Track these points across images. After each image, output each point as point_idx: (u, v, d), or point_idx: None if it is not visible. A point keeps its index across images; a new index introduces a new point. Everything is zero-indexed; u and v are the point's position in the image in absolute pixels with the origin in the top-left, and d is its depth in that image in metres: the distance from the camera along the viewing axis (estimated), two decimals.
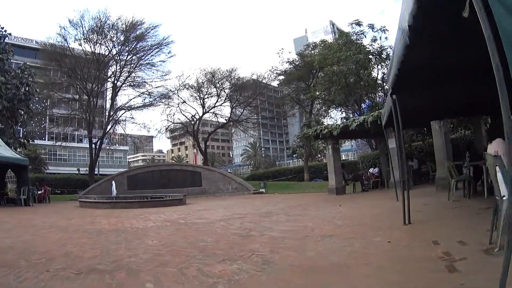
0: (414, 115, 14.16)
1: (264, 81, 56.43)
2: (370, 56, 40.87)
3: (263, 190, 37.13)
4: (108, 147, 59.87)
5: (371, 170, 29.26)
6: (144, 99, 52.96)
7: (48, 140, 69.76)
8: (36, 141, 62.76)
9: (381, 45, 41.26)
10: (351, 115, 41.57)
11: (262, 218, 14.23)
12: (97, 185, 40.61)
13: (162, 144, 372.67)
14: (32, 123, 50.30)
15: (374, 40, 41.47)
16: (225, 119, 59.06)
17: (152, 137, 77.01)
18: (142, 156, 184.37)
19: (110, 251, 8.56)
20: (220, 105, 57.03)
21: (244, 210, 18.28)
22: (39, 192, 34.34)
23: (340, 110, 47.41)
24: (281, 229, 10.83)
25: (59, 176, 56.45)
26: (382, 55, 40.72)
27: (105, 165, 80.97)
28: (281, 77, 55.42)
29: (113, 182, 35.77)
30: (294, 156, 76.96)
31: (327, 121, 52.38)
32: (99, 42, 47.63)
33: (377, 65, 41.23)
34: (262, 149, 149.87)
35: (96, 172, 55.08)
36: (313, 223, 11.77)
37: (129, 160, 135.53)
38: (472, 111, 18.33)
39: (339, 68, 39.37)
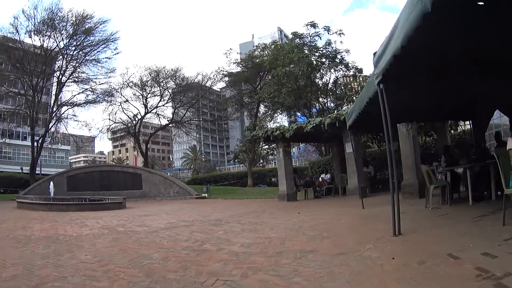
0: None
1: (209, 82, 54.74)
2: (324, 59, 39.95)
3: (206, 194, 35.43)
4: (50, 146, 57.28)
5: (322, 176, 27.82)
6: (87, 96, 50.87)
7: None
8: None
9: (335, 49, 40.16)
10: (299, 119, 40.20)
11: (212, 227, 12.59)
12: (37, 184, 38.27)
13: (104, 145, 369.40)
14: None
15: (328, 43, 40.63)
16: (168, 120, 57.48)
17: (93, 137, 74.37)
18: (83, 157, 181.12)
19: (34, 268, 6.86)
20: (163, 105, 55.54)
21: (190, 217, 16.60)
22: None
23: (288, 114, 46.15)
24: (241, 241, 9.06)
25: (1, 174, 54.64)
26: (336, 59, 39.86)
27: (47, 164, 77.22)
28: (227, 78, 53.32)
29: (50, 182, 33.28)
30: (236, 161, 75.11)
31: (271, 126, 51.01)
32: (48, 34, 45.59)
33: (330, 69, 40.13)
34: (203, 153, 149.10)
35: (38, 172, 52.28)
36: (277, 233, 10.09)
37: (71, 161, 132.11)
38: (443, 115, 17.62)
39: (290, 70, 37.93)
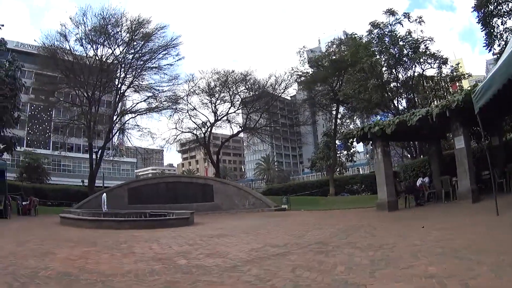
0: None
1: (283, 83, 49.97)
2: (406, 50, 35.93)
3: (286, 206, 31.78)
4: (112, 158, 54.97)
5: (422, 179, 23.19)
6: (150, 104, 47.84)
7: (52, 149, 65.83)
8: (39, 150, 61.48)
9: (418, 38, 35.89)
10: (385, 118, 35.65)
11: (320, 256, 8.54)
12: (93, 197, 35.17)
13: (173, 157, 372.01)
14: (29, 130, 46.61)
15: (409, 33, 36.09)
16: (240, 127, 53.56)
17: (161, 150, 72.53)
18: (152, 169, 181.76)
19: None
20: (234, 112, 52.09)
21: (279, 238, 12.53)
22: (23, 203, 30.68)
23: (370, 114, 41.37)
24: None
25: (57, 187, 51.79)
26: (420, 49, 35.43)
27: (111, 177, 76.02)
28: (302, 79, 49.00)
29: (103, 194, 30.04)
30: (313, 169, 70.85)
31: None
32: (102, 42, 43.22)
33: (414, 61, 35.60)
34: (275, 163, 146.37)
35: (99, 185, 51.16)
36: (431, 263, 6.77)
37: (138, 173, 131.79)
38: None
39: (375, 60, 34.40)
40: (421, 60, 35.64)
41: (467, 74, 37.82)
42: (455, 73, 36.68)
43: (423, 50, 35.73)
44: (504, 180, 18.14)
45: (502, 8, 31.08)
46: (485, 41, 33.06)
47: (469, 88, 16.89)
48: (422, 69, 36.69)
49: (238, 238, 12.84)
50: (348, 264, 7.31)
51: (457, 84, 39.10)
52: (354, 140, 23.67)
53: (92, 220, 20.66)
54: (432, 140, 24.96)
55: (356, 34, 39.92)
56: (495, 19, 31.71)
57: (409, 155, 43.04)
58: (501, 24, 31.58)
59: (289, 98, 69.43)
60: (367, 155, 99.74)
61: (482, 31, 32.88)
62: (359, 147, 70.52)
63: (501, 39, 31.76)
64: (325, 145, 58.62)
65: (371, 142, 23.42)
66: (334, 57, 43.49)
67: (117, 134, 50.18)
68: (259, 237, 12.91)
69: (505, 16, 31.20)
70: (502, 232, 9.24)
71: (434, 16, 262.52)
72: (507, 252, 6.86)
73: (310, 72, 47.54)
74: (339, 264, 7.34)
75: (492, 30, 32.03)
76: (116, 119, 47.47)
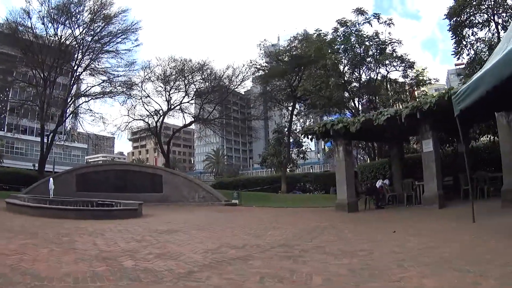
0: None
1: (240, 76, 48.66)
2: (372, 51, 35.86)
3: (236, 201, 30.56)
4: (63, 143, 52.91)
5: (380, 182, 22.57)
6: (104, 88, 46.04)
7: (6, 131, 63.28)
8: None
9: (385, 39, 35.70)
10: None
11: (288, 262, 7.46)
12: (42, 182, 33.18)
13: (124, 146, 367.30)
14: None
15: (376, 34, 36.09)
16: (193, 117, 52.01)
17: (113, 138, 70.82)
18: (102, 157, 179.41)
19: None
20: (188, 102, 50.52)
21: (236, 237, 11.41)
22: None
23: (328, 113, 40.60)
24: None
25: (8, 170, 49.77)
26: (386, 51, 35.22)
27: (61, 162, 73.58)
28: (261, 73, 47.83)
29: (50, 180, 28.06)
30: (264, 165, 69.85)
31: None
32: (63, 21, 41.17)
33: (379, 63, 35.17)
34: (225, 157, 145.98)
35: (51, 169, 49.52)
36: (427, 276, 5.85)
37: (89, 160, 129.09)
38: None
39: (338, 59, 33.93)
40: (387, 62, 35.50)
41: (433, 79, 37.65)
42: (420, 78, 36.36)
43: (390, 52, 35.44)
44: (469, 187, 17.37)
45: (474, 19, 31.94)
46: (454, 49, 33.79)
47: (444, 91, 16.08)
48: (386, 71, 36.65)
49: (191, 236, 11.55)
50: (325, 274, 6.23)
51: (421, 89, 38.94)
52: (314, 136, 22.71)
53: (36, 207, 18.97)
54: (394, 142, 24.42)
55: (321, 30, 39.06)
56: (466, 29, 32.57)
57: (367, 156, 42.56)
58: (472, 35, 32.66)
59: (243, 93, 68.38)
60: (318, 154, 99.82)
61: (452, 39, 33.56)
62: (311, 145, 70.18)
63: (471, 49, 32.91)
64: (276, 141, 57.67)
65: (331, 140, 22.59)
66: (295, 52, 42.41)
67: (70, 118, 48.30)
68: (213, 235, 11.66)
69: (476, 27, 32.20)
70: (494, 239, 8.63)
71: (398, 22, 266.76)
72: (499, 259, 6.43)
73: (269, 66, 46.32)
74: (314, 274, 6.21)
75: (461, 39, 32.87)
76: (69, 101, 45.66)
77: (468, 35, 32.95)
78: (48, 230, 12.11)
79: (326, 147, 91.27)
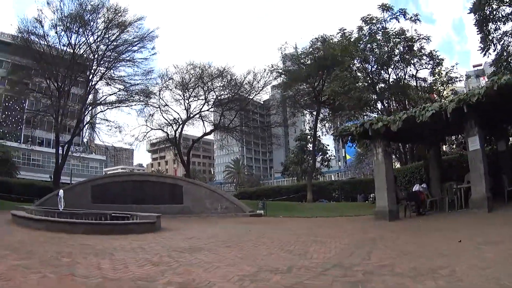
0: None
1: (262, 81, 46.21)
2: (398, 49, 33.97)
3: (262, 211, 28.56)
4: (79, 155, 51.65)
5: (417, 186, 20.64)
6: (120, 96, 44.77)
7: (23, 143, 62.80)
8: (9, 143, 57.65)
9: (411, 36, 33.81)
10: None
11: None
12: (54, 194, 30.50)
13: (142, 157, 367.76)
14: (2, 122, 46.81)
15: (402, 31, 34.20)
16: (213, 125, 50.11)
17: (132, 150, 69.93)
18: (121, 169, 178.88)
19: None
20: (208, 110, 48.70)
21: (275, 256, 9.44)
22: None
23: (354, 117, 38.54)
24: None
25: (23, 181, 48.59)
26: (414, 49, 33.42)
27: (79, 174, 72.58)
28: (282, 77, 46.04)
29: (60, 191, 26.30)
30: (286, 173, 68.12)
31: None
32: (77, 30, 39.89)
33: (406, 62, 33.45)
34: (245, 167, 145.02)
35: (67, 181, 49.39)
36: None
37: (107, 172, 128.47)
38: None
39: (365, 57, 32.80)
40: (415, 60, 33.84)
41: (465, 75, 35.73)
42: (452, 75, 34.43)
43: (418, 49, 33.78)
44: None
45: (498, 13, 29.92)
46: (480, 44, 31.60)
47: (492, 81, 14.67)
48: (416, 69, 34.80)
49: (219, 255, 9.56)
50: None
51: (449, 88, 36.97)
52: (349, 138, 20.90)
53: (40, 220, 16.93)
54: (431, 143, 22.85)
55: (345, 29, 37.16)
56: (490, 24, 30.51)
57: (397, 161, 40.55)
58: (495, 30, 30.50)
59: (262, 102, 66.70)
60: (339, 162, 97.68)
61: (478, 34, 31.52)
62: (333, 151, 68.73)
63: (497, 44, 30.71)
64: (299, 149, 55.97)
65: (369, 141, 20.78)
66: (318, 54, 40.36)
67: (87, 129, 47.72)
68: (246, 254, 9.69)
69: (500, 21, 30.02)
70: None
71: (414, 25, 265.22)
72: None
73: (291, 70, 44.42)
74: None
75: (487, 34, 30.75)
76: (85, 111, 44.54)
77: (493, 30, 30.90)
78: (48, 248, 10.29)
79: (347, 155, 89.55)
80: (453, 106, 15.36)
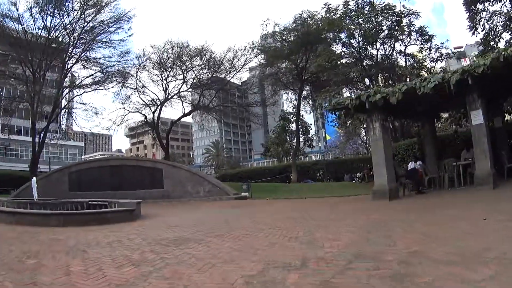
0: None
1: (243, 58, 44.96)
2: (384, 26, 33.08)
3: (247, 194, 27.37)
4: (56, 141, 49.98)
5: (413, 164, 19.61)
6: (97, 78, 43.34)
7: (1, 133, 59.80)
8: None
9: (400, 11, 32.63)
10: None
11: None
12: (30, 184, 29.83)
13: (121, 143, 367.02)
14: None
15: (389, 6, 32.93)
16: (193, 105, 48.78)
17: (110, 136, 68.31)
18: (100, 155, 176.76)
19: None
20: (186, 90, 47.38)
21: (278, 245, 7.98)
22: None
23: (348, 91, 37.31)
24: None
25: (1, 172, 47.29)
26: (402, 24, 32.49)
27: (58, 162, 69.83)
28: (263, 56, 44.68)
29: (33, 180, 24.69)
30: (267, 154, 66.85)
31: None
32: (52, 11, 38.05)
33: (393, 37, 33.07)
34: (225, 149, 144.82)
35: (46, 169, 46.93)
36: None
37: (86, 159, 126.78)
38: None
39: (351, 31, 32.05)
40: (404, 35, 32.97)
41: (456, 49, 34.64)
42: (444, 50, 33.31)
43: (407, 24, 32.71)
44: None
45: None
46: (468, 23, 32.02)
47: (497, 52, 14.01)
48: (405, 45, 33.81)
49: (211, 247, 8.02)
50: None
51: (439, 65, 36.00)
52: (343, 112, 19.69)
53: (11, 213, 15.21)
54: (426, 119, 22.14)
55: (330, 4, 35.60)
56: (478, 5, 31.02)
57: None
58: (482, 11, 31.03)
59: (240, 84, 65.41)
60: (319, 143, 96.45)
61: (466, 12, 31.85)
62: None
63: (485, 24, 31.36)
64: (281, 128, 54.65)
65: (365, 115, 19.52)
66: (302, 30, 38.83)
67: (64, 114, 46.46)
68: (244, 245, 8.14)
69: (488, 1, 30.59)
70: None
71: None
72: None
73: (273, 47, 42.83)
74: None
75: (476, 14, 31.21)
76: (61, 95, 43.15)
77: (481, 9, 31.10)
78: (15, 246, 8.74)
79: (327, 135, 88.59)
80: (457, 78, 14.53)
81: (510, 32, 30.31)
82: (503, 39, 30.81)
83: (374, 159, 17.79)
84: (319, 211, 15.39)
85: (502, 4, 30.53)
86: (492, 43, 30.39)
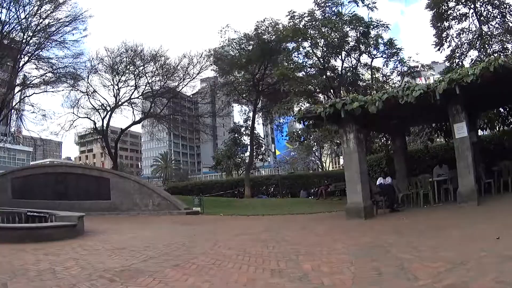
0: None
1: (198, 66, 43.06)
2: (350, 37, 31.94)
3: (199, 209, 25.62)
4: (3, 144, 47.55)
5: (380, 180, 18.63)
6: (45, 79, 40.23)
7: None
8: None
9: (369, 21, 31.53)
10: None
11: None
12: None
13: (71, 151, 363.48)
14: None
15: (358, 18, 31.52)
16: (143, 113, 46.91)
17: (61, 142, 66.15)
18: (49, 161, 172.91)
19: None
20: (138, 97, 45.15)
21: (262, 283, 6.23)
22: None
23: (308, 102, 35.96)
24: None
25: None
26: (370, 35, 31.48)
27: (5, 167, 66.97)
28: (219, 63, 42.95)
29: None
30: (218, 167, 65.18)
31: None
32: (8, 6, 35.41)
33: (359, 49, 32.31)
34: (173, 161, 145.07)
35: None
36: None
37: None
38: None
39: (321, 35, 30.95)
40: (371, 47, 31.85)
41: (427, 65, 33.75)
42: (412, 64, 32.34)
43: (374, 37, 31.44)
44: (492, 180, 16.38)
45: (453, 12, 31.33)
46: (435, 40, 32.69)
47: (489, 61, 13.29)
48: (372, 57, 32.60)
49: (169, 286, 6.09)
50: None
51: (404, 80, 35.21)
52: (312, 122, 18.31)
53: None
54: (398, 132, 21.48)
55: (294, 12, 34.15)
56: (444, 22, 31.80)
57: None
58: (448, 28, 31.87)
59: (191, 96, 63.94)
60: (269, 158, 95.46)
61: (434, 29, 32.83)
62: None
63: (452, 40, 31.99)
64: (232, 141, 53.39)
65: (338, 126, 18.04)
66: (263, 38, 37.81)
67: (12, 116, 43.23)
68: (215, 283, 6.21)
69: (454, 19, 31.53)
70: None
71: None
72: None
73: (230, 55, 41.73)
74: None
75: (443, 31, 31.98)
76: (9, 94, 39.54)
77: (446, 27, 31.94)
78: None
79: (276, 150, 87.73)
80: (444, 87, 13.57)
81: (476, 49, 30.43)
82: (469, 56, 31.11)
83: (348, 174, 16.39)
84: (290, 231, 13.76)
85: (470, 23, 31.06)
86: (457, 60, 30.78)
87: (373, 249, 8.61)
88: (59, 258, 8.58)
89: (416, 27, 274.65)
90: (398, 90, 14.94)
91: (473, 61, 28.85)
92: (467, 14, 30.96)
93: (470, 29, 31.16)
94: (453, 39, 31.68)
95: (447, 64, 32.27)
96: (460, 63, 29.87)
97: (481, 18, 30.48)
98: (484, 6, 30.40)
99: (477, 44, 30.14)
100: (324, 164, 73.78)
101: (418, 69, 33.14)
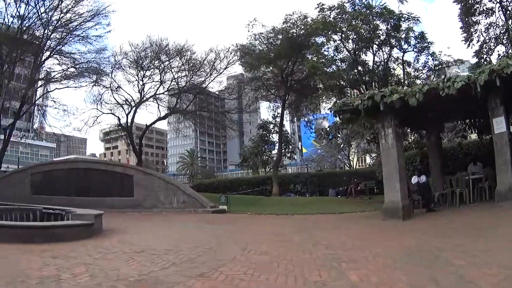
0: None
1: (225, 61, 42.05)
2: (380, 31, 30.72)
3: (225, 207, 24.86)
4: (25, 140, 47.09)
5: (415, 179, 17.39)
6: (67, 73, 39.55)
7: None
8: None
9: (399, 13, 30.23)
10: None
11: None
12: None
13: (96, 147, 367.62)
14: None
15: (389, 11, 30.27)
16: (169, 108, 46.14)
17: (85, 139, 65.96)
18: (74, 158, 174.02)
19: None
20: (163, 93, 44.49)
21: None
22: None
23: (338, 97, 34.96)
24: None
25: None
26: (400, 29, 30.22)
27: (28, 162, 64.73)
28: (247, 58, 41.81)
29: None
30: (244, 164, 64.24)
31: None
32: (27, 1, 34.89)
33: (390, 43, 30.89)
34: (199, 158, 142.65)
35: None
36: None
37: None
38: None
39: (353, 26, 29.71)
40: (402, 41, 30.58)
41: (459, 60, 32.35)
42: (445, 58, 31.10)
43: (405, 30, 30.36)
44: None
45: (480, 7, 30.55)
46: (464, 35, 32.01)
47: None
48: (403, 51, 31.27)
49: None
50: None
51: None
52: (349, 115, 17.29)
53: None
54: (433, 128, 20.32)
55: (323, 4, 33.17)
56: (472, 17, 31.10)
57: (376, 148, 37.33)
58: (475, 23, 31.19)
59: (218, 93, 63.23)
60: (295, 156, 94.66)
61: (462, 24, 32.20)
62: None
63: (480, 35, 31.33)
64: (260, 138, 52.50)
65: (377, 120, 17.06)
66: (293, 30, 36.95)
67: (34, 112, 43.28)
68: None
69: (481, 14, 30.80)
70: None
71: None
72: None
73: (259, 50, 40.79)
74: None
75: (471, 25, 31.30)
76: (32, 90, 39.71)
77: (476, 22, 31.12)
78: None
79: (303, 148, 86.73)
80: (485, 78, 12.99)
81: (503, 44, 30.19)
82: (497, 51, 30.65)
83: (386, 170, 15.50)
84: (324, 232, 12.84)
85: (497, 18, 30.34)
86: (485, 56, 30.31)
87: (420, 253, 7.96)
88: (68, 262, 7.59)
89: (440, 25, 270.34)
90: (438, 82, 14.22)
91: (500, 56, 28.20)
92: (493, 9, 30.22)
93: (497, 23, 30.45)
94: (481, 33, 31.05)
95: (475, 60, 31.59)
96: (488, 58, 29.41)
97: (507, 13, 29.79)
98: (509, 1, 29.73)
99: (504, 39, 29.67)
100: (351, 163, 72.55)
101: (450, 64, 31.96)
